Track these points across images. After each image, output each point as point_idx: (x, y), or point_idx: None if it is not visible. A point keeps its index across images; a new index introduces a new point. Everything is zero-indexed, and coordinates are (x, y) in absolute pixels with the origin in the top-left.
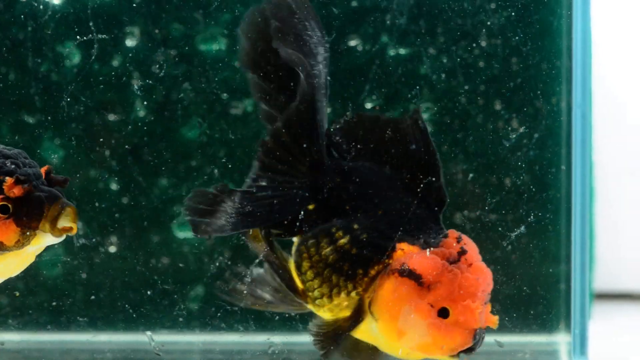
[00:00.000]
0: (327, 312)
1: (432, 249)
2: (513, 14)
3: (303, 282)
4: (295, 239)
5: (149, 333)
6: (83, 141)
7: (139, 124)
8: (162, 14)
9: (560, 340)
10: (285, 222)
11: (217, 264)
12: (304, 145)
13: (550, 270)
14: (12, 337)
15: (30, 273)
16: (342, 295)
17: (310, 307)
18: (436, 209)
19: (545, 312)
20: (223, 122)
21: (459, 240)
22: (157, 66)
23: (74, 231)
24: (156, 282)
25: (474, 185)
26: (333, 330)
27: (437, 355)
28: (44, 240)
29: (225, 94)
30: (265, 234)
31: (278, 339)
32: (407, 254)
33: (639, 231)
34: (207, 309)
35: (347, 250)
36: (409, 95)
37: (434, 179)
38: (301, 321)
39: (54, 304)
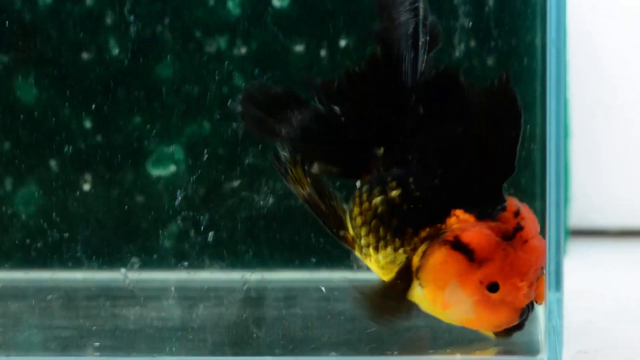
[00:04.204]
0: (374, 263)
1: (488, 222)
2: None
3: (353, 227)
4: (358, 183)
5: (123, 270)
6: (57, 80)
7: (113, 63)
8: None
9: None
10: (349, 161)
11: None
12: (390, 90)
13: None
14: None
15: (3, 212)
16: (389, 249)
17: (357, 254)
18: (502, 177)
19: None
20: (197, 60)
21: (516, 214)
22: (131, 4)
23: None
24: (130, 220)
25: None
26: (383, 298)
27: (481, 329)
28: None
29: (199, 33)
30: (312, 183)
31: (252, 276)
32: (461, 221)
33: (613, 168)
34: (181, 246)
35: (398, 205)
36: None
37: (509, 147)
38: (274, 257)
39: (27, 242)
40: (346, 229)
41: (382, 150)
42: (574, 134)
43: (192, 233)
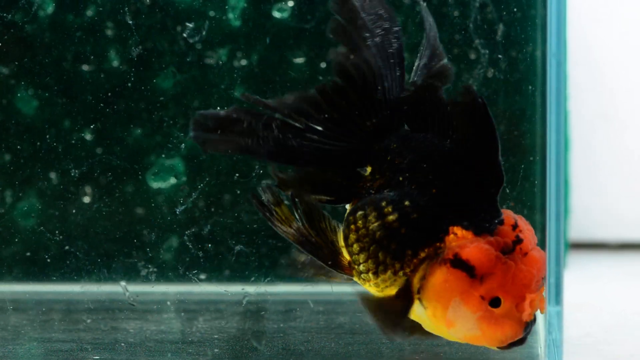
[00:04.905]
0: (373, 287)
1: (486, 237)
2: None
3: (350, 253)
4: (348, 207)
5: (123, 283)
6: (57, 92)
7: (114, 74)
8: None
9: None
10: (338, 187)
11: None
12: (370, 104)
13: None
14: None
15: (4, 224)
16: (389, 273)
17: (355, 279)
18: (492, 189)
19: None
20: (197, 72)
21: (514, 227)
22: (132, 15)
23: None
24: (130, 233)
25: None
26: (384, 313)
27: (486, 345)
28: None
29: (199, 44)
30: (304, 210)
31: (252, 289)
32: (460, 239)
33: (613, 181)
34: (181, 259)
35: (396, 229)
36: None
37: (492, 158)
38: (275, 271)
39: (28, 254)
40: (341, 253)
41: (369, 169)
42: (574, 146)
43: (192, 246)
